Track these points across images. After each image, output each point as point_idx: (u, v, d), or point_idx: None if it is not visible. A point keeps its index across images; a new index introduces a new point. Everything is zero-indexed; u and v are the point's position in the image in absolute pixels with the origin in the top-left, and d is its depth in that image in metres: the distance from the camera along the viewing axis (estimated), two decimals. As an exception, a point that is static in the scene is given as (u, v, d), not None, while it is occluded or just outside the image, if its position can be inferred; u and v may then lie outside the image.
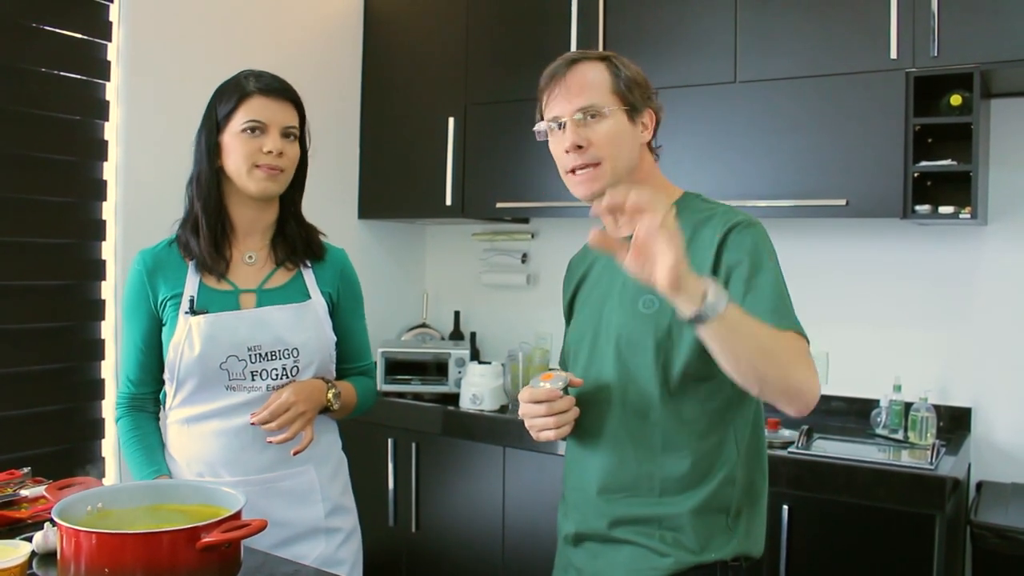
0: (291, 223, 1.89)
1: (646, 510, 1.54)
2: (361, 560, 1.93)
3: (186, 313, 1.75)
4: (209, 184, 1.79)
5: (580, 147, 1.54)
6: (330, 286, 1.90)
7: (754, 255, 1.49)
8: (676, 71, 2.94)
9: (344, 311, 1.93)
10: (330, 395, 1.81)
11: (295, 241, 1.88)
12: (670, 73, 2.94)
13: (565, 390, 1.56)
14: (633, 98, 1.56)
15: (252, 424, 1.73)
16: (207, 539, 1.20)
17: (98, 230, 2.79)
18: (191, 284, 1.79)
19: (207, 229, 1.79)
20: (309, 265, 1.89)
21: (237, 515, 1.30)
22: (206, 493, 1.43)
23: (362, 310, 2.00)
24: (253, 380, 1.76)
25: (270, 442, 1.73)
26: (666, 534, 1.53)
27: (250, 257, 1.84)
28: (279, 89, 1.81)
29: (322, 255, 1.91)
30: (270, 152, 1.76)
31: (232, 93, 1.78)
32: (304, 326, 1.81)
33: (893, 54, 2.59)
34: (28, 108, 2.61)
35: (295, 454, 1.75)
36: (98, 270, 2.79)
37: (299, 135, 1.85)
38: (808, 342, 1.45)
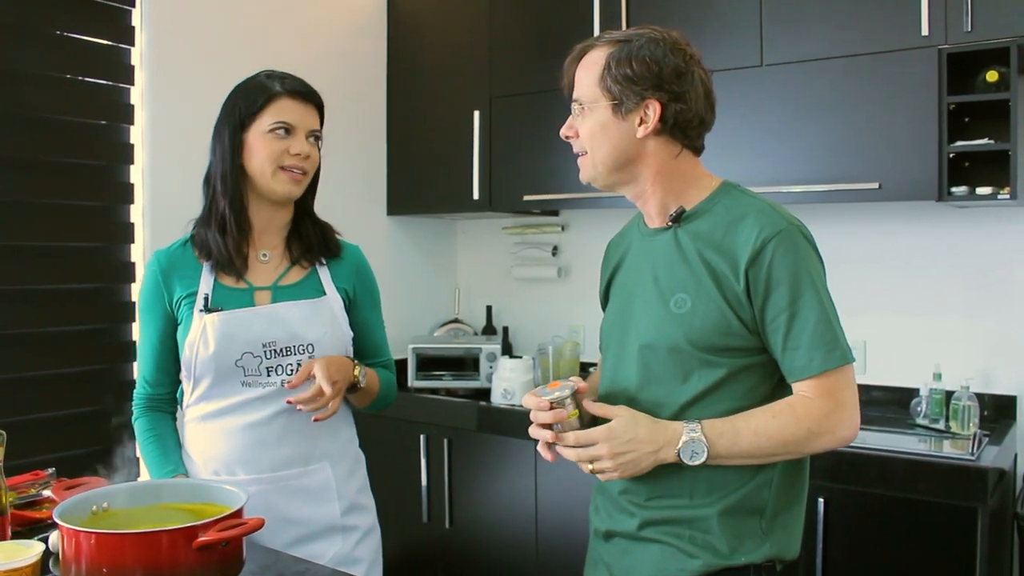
0: (306, 222, 1.90)
1: (675, 512, 1.51)
2: (380, 559, 1.91)
3: (200, 311, 1.76)
4: (235, 183, 1.79)
5: (570, 136, 1.58)
6: (346, 282, 1.89)
7: (793, 277, 1.44)
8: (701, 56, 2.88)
9: (361, 307, 1.92)
10: (356, 371, 1.81)
11: (311, 240, 1.88)
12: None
13: (573, 397, 1.51)
14: (622, 91, 1.50)
15: (289, 402, 1.72)
16: (203, 538, 1.20)
17: (127, 233, 2.82)
18: (206, 282, 1.79)
19: (236, 229, 1.79)
20: (325, 263, 1.88)
21: (237, 513, 1.29)
22: (209, 492, 1.43)
23: (379, 306, 1.99)
24: (268, 376, 1.76)
25: (317, 420, 1.73)
26: (696, 535, 1.49)
27: (264, 255, 1.84)
28: (307, 93, 1.82)
29: (338, 252, 1.91)
30: (297, 154, 1.77)
31: (258, 93, 1.78)
32: (319, 321, 1.81)
33: (924, 31, 2.51)
34: (56, 115, 2.65)
35: (316, 420, 1.73)
36: (128, 273, 2.82)
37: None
38: (853, 360, 1.46)
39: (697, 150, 1.57)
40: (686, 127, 1.52)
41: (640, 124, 1.51)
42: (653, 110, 1.49)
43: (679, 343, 1.48)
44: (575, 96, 1.57)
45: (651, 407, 1.51)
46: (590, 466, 1.47)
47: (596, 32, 3.08)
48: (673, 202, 1.56)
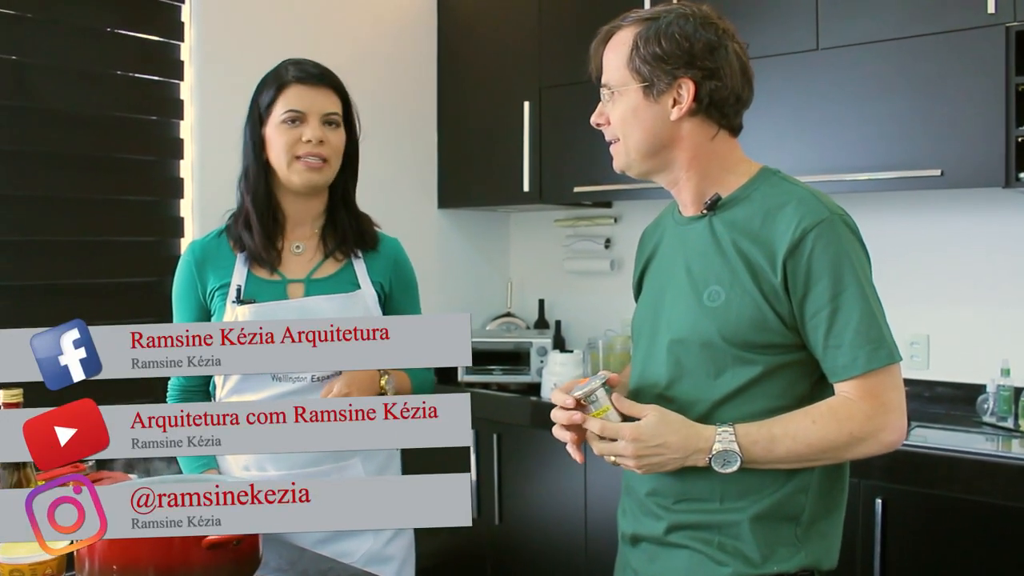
0: (342, 212, 1.86)
1: (704, 516, 1.43)
2: (412, 556, 1.88)
3: (233, 302, 1.75)
4: (257, 179, 1.79)
5: (601, 124, 1.50)
6: (381, 276, 1.86)
7: (835, 270, 1.35)
8: (754, 41, 2.73)
9: (397, 302, 1.89)
10: (382, 382, 1.76)
11: (345, 231, 1.84)
12: (747, 43, 2.79)
13: (605, 389, 1.41)
14: (652, 72, 1.41)
15: None
16: (211, 537, 1.18)
17: (177, 227, 2.85)
18: (239, 274, 1.79)
19: (260, 225, 1.78)
20: (360, 255, 1.85)
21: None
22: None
23: (416, 301, 1.95)
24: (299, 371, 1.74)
25: None
26: (725, 542, 1.41)
27: (298, 247, 1.83)
28: (316, 75, 1.78)
29: (374, 245, 1.87)
30: (309, 141, 1.74)
31: (271, 84, 1.77)
32: (352, 316, 1.78)
33: (991, 8, 2.37)
34: (108, 111, 2.70)
35: None
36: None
37: (345, 121, 1.82)
38: (899, 359, 1.37)
39: (734, 130, 1.48)
40: (722, 105, 1.43)
41: (673, 105, 1.42)
42: (686, 89, 1.41)
43: (712, 338, 1.40)
44: (604, 81, 1.49)
45: (681, 405, 1.42)
46: (612, 458, 1.41)
47: (646, 18, 3.00)
48: (709, 188, 1.47)
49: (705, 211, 1.47)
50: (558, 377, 3.11)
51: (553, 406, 1.47)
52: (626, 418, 1.41)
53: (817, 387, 1.42)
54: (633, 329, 1.62)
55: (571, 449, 1.47)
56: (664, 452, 1.36)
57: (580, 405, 1.42)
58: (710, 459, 1.35)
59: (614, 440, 1.39)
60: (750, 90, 1.47)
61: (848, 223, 1.40)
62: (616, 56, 1.46)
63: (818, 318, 1.35)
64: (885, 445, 1.36)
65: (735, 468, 1.35)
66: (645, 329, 1.55)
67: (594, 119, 1.51)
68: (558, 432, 1.47)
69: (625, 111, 1.45)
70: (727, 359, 1.40)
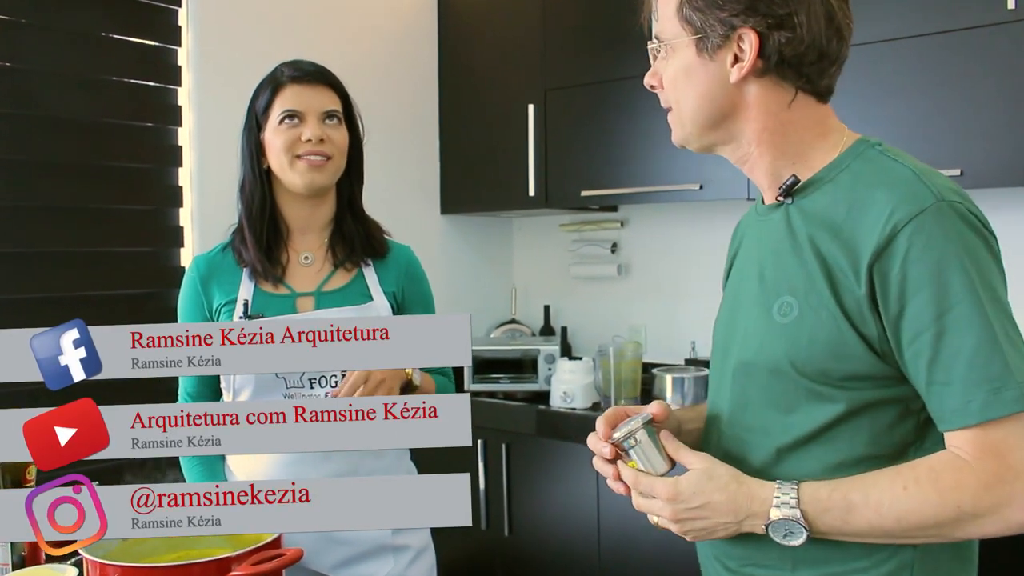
0: (348, 219, 1.79)
1: None
2: (434, 576, 1.82)
3: (241, 318, 1.68)
4: (253, 188, 1.73)
5: (654, 86, 1.24)
6: (394, 286, 1.79)
7: (939, 278, 1.01)
8: (766, 40, 2.74)
9: (411, 311, 1.82)
10: (409, 369, 1.66)
11: (353, 238, 1.78)
12: None
13: (648, 424, 1.16)
14: (705, 20, 1.13)
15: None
16: (236, 573, 1.11)
17: (177, 237, 2.77)
18: (246, 289, 1.73)
19: (253, 237, 1.72)
20: (371, 264, 1.78)
21: (275, 542, 1.20)
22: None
23: (431, 310, 1.89)
24: (311, 387, 1.68)
25: None
26: None
27: (306, 258, 1.76)
28: (313, 73, 1.72)
29: (384, 253, 1.81)
30: (309, 140, 1.68)
31: (267, 86, 1.73)
32: None
33: (1011, 3, 2.32)
34: (104, 118, 2.63)
35: None
36: (178, 277, 2.72)
37: (346, 119, 1.76)
38: None
39: (821, 94, 1.17)
40: (799, 63, 1.12)
41: (734, 64, 1.13)
42: (748, 43, 1.11)
43: (780, 364, 1.11)
44: (656, 32, 1.21)
45: (742, 447, 1.17)
46: (654, 519, 1.17)
47: (654, 18, 2.94)
48: (786, 168, 1.17)
49: (780, 197, 1.17)
50: (567, 385, 3.05)
51: (584, 414, 1.34)
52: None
53: (925, 431, 1.11)
54: (712, 343, 1.34)
55: (611, 483, 1.22)
56: (709, 516, 1.11)
57: (618, 450, 1.18)
58: (768, 528, 1.08)
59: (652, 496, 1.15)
60: (839, 43, 1.16)
61: (960, 211, 1.05)
62: (667, 2, 1.19)
63: (919, 344, 1.03)
64: (1013, 526, 1.01)
65: (800, 542, 1.07)
66: (719, 345, 1.29)
67: (647, 80, 1.24)
68: (601, 465, 1.22)
69: (677, 71, 1.18)
70: (799, 392, 1.11)
